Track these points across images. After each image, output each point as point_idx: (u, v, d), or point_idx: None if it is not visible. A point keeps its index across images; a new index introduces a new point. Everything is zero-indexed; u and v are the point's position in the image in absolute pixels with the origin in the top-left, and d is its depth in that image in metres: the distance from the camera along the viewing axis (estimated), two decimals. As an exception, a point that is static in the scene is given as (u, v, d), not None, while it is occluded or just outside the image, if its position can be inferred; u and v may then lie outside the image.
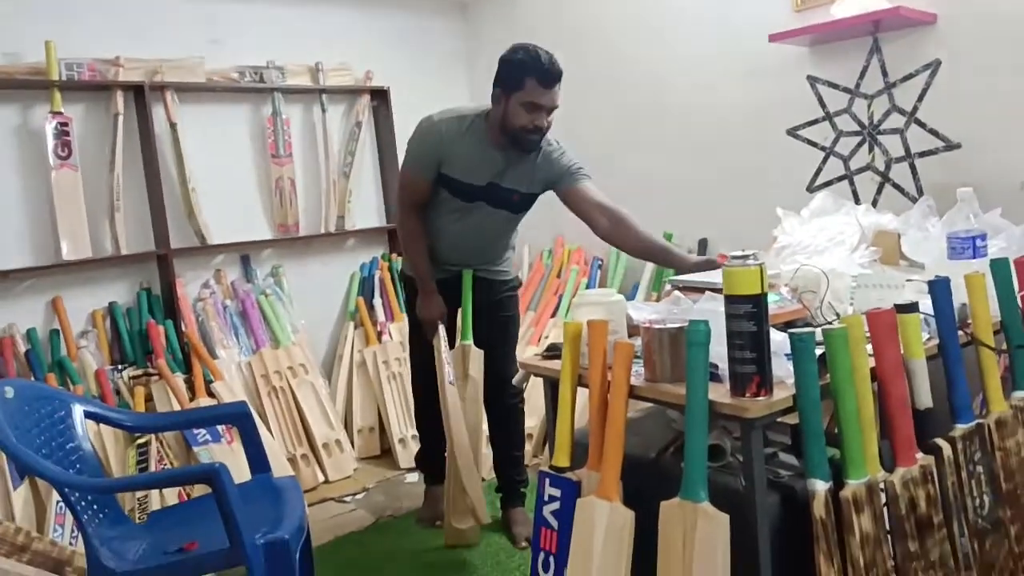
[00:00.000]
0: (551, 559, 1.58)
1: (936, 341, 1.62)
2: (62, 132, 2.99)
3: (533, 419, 3.18)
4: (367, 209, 3.91)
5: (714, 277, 1.97)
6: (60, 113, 2.98)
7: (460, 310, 2.57)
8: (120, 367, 3.10)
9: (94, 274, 3.16)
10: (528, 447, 3.18)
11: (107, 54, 3.10)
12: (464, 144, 2.33)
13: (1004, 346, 1.73)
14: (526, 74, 2.20)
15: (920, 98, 2.57)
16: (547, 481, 1.62)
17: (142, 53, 3.18)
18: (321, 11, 3.67)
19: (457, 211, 2.43)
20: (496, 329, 2.61)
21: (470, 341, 2.58)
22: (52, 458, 1.87)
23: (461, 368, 2.59)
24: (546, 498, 1.61)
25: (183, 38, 3.30)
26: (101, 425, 2.60)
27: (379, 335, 3.61)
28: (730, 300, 1.37)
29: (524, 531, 2.57)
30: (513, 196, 2.41)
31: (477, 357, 2.59)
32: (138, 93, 3.15)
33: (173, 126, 3.22)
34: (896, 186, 2.66)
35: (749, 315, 1.34)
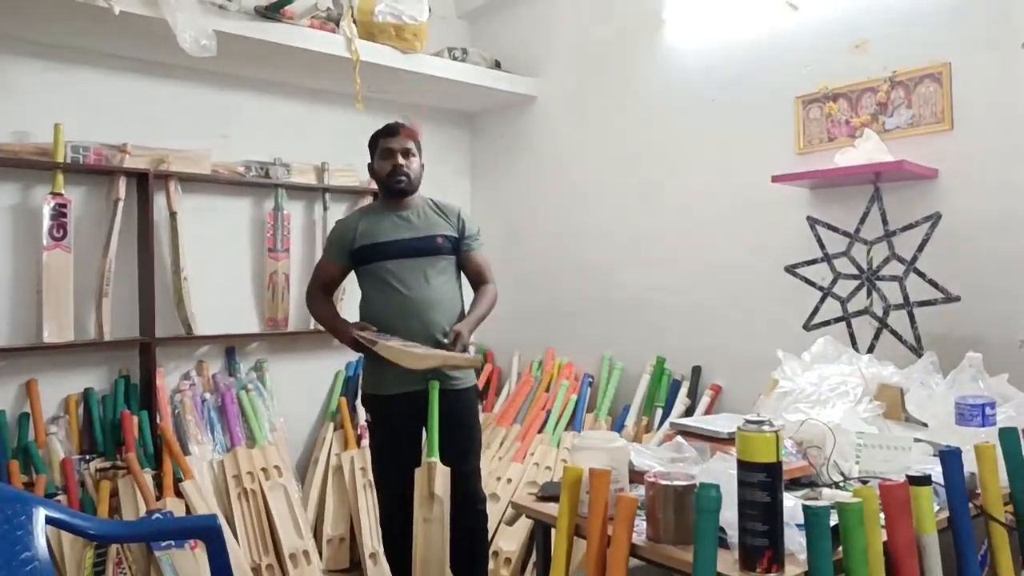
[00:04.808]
0: None
1: (946, 514, 1.57)
2: (59, 213, 2.96)
3: (513, 543, 3.06)
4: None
5: (714, 424, 1.94)
6: (60, 195, 2.96)
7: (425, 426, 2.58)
8: (88, 457, 2.97)
9: (73, 358, 3.06)
10: (506, 572, 3.06)
11: (115, 140, 3.10)
12: (367, 219, 2.73)
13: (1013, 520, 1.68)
14: (376, 138, 2.73)
15: (920, 248, 2.59)
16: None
17: (151, 141, 3.19)
18: (332, 113, 3.73)
19: (388, 279, 2.60)
20: (460, 443, 2.61)
21: (436, 458, 2.52)
22: (4, 569, 1.75)
23: (426, 487, 2.51)
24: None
25: (194, 129, 3.33)
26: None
27: (358, 439, 3.50)
28: (743, 466, 1.32)
29: None
30: (436, 239, 2.67)
31: (443, 475, 2.52)
32: (141, 180, 3.14)
33: (173, 215, 3.20)
34: (894, 333, 2.65)
35: (763, 484, 1.29)
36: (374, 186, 3.73)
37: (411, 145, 2.70)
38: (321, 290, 2.79)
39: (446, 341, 2.55)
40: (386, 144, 2.68)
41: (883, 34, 2.70)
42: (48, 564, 1.90)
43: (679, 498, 1.43)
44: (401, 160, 2.66)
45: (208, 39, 2.79)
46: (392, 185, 2.68)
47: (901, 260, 2.63)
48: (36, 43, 2.97)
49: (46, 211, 2.93)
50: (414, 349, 2.47)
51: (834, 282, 2.80)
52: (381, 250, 2.64)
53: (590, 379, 3.66)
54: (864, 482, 1.68)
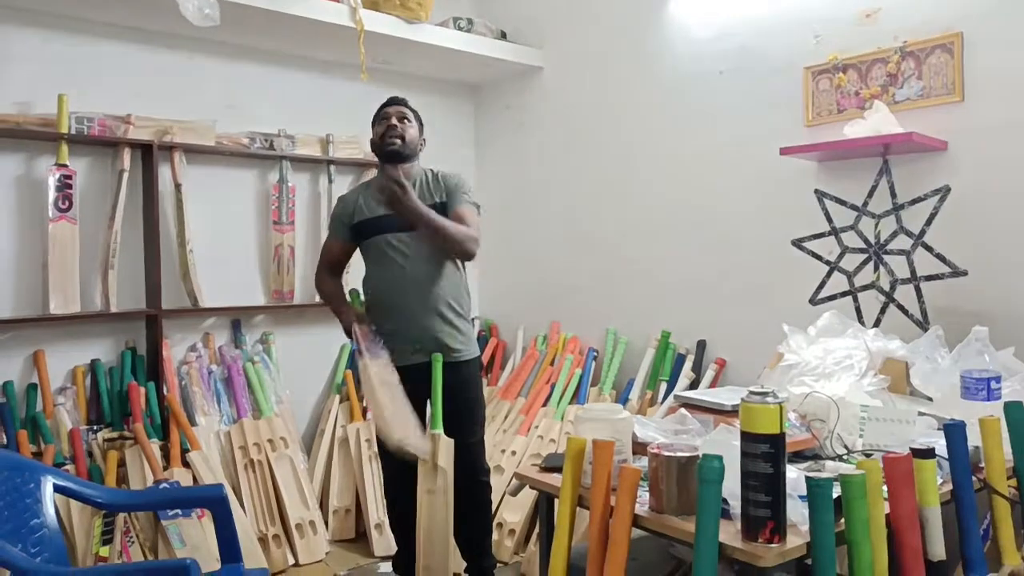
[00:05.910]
0: None
1: (949, 487, 1.57)
2: (64, 184, 2.95)
3: (517, 514, 3.08)
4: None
5: (718, 397, 1.93)
6: (65, 166, 2.95)
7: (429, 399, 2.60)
8: (96, 428, 2.99)
9: (80, 329, 3.07)
10: (510, 543, 3.09)
11: (119, 111, 3.09)
12: (367, 193, 2.73)
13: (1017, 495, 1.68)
14: (376, 111, 2.74)
15: (928, 222, 2.56)
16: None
17: (155, 112, 3.17)
18: (336, 84, 3.69)
19: (389, 253, 2.60)
20: (463, 415, 2.63)
21: (440, 430, 2.54)
22: (14, 535, 1.78)
23: (431, 459, 2.53)
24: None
25: (198, 100, 3.31)
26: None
27: (364, 411, 3.52)
28: (746, 437, 1.32)
29: None
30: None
31: (447, 447, 2.54)
32: (146, 152, 3.12)
33: (178, 186, 3.20)
34: (900, 307, 2.64)
35: (766, 456, 1.29)
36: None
37: (407, 112, 2.70)
38: (328, 270, 2.80)
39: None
40: (382, 112, 2.70)
41: (894, 3, 2.65)
42: (57, 531, 1.93)
43: (682, 469, 1.44)
44: (395, 122, 2.66)
45: (211, 8, 2.76)
46: (385, 146, 2.66)
47: (909, 234, 2.61)
48: (38, 12, 2.94)
49: (51, 182, 2.92)
50: (387, 404, 2.43)
51: (841, 256, 2.78)
52: (379, 224, 2.64)
53: (595, 353, 3.66)
54: (868, 455, 1.68)
